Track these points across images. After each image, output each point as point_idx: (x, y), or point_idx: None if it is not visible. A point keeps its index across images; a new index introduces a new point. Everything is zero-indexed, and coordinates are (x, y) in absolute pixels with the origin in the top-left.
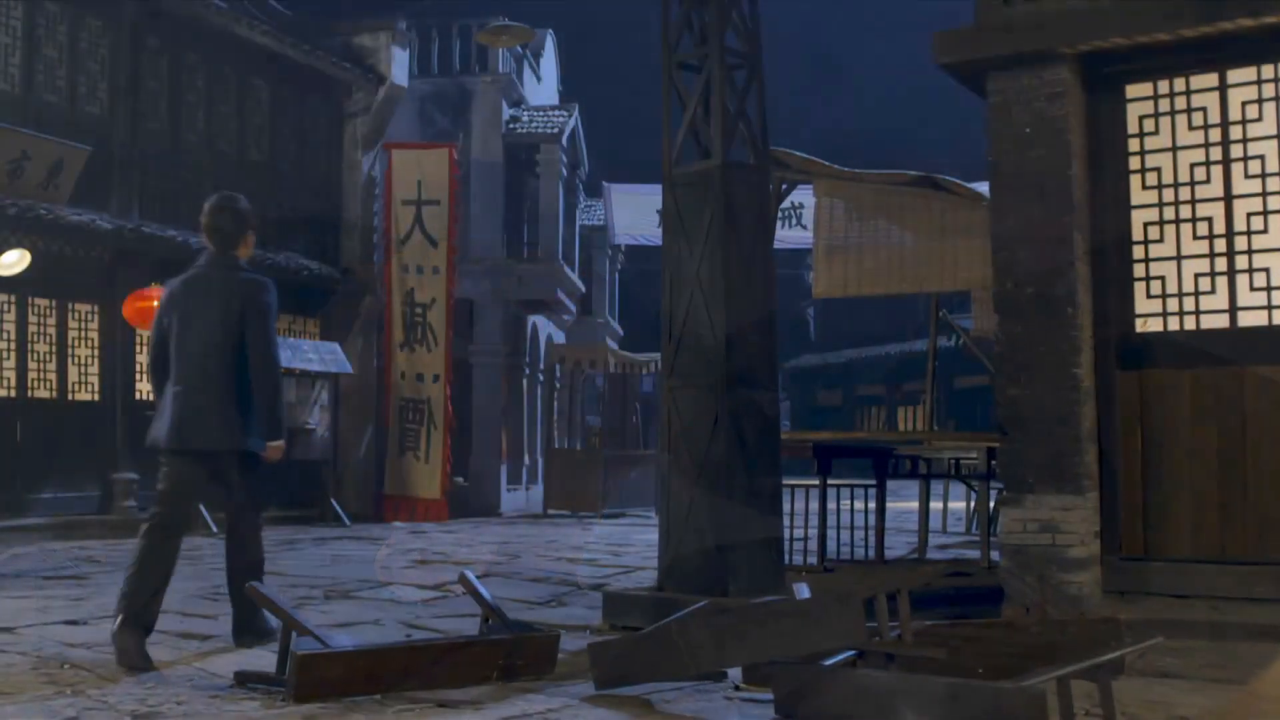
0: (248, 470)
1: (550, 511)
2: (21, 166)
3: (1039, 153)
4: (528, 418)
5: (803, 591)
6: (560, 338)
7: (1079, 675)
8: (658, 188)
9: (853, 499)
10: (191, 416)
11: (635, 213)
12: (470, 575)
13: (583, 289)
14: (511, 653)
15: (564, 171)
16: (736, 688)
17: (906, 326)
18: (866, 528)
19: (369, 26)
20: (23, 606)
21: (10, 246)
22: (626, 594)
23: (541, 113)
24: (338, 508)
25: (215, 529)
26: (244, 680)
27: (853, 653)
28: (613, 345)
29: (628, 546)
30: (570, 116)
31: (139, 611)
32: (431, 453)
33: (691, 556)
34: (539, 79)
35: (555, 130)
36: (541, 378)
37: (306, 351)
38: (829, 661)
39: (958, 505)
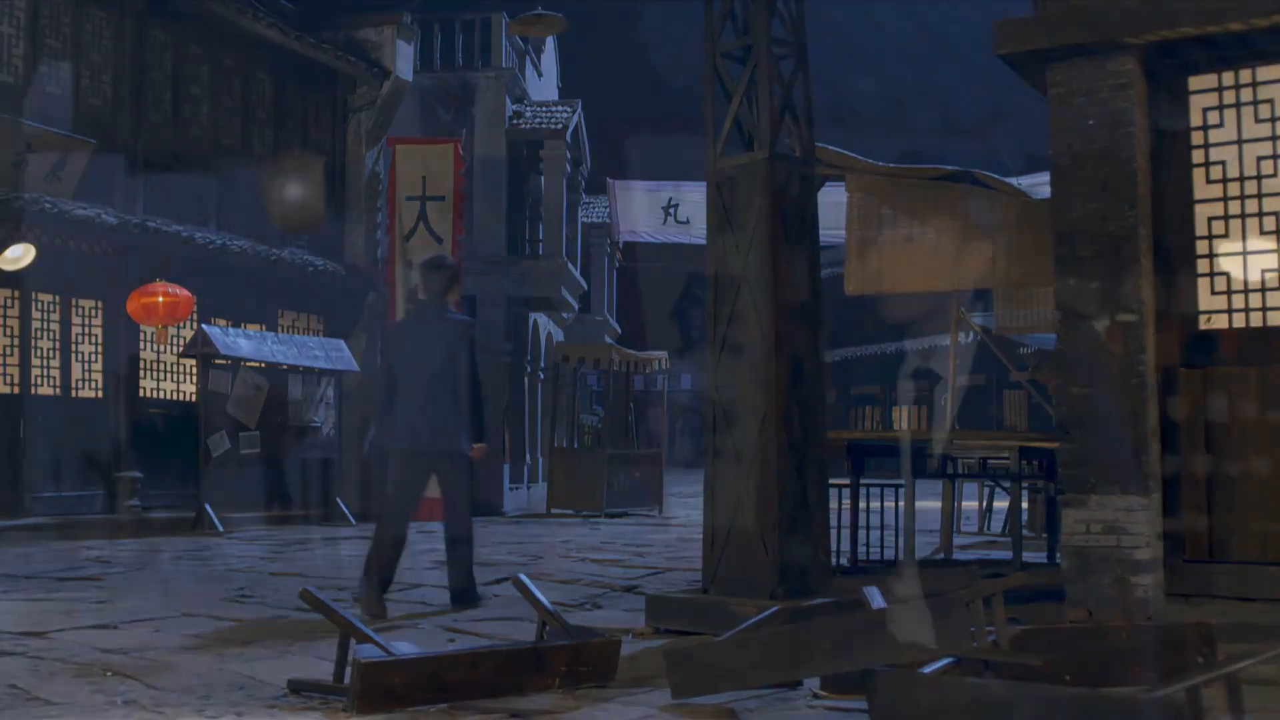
0: (463, 467)
1: (554, 511)
2: (25, 159)
3: (1102, 145)
4: (529, 416)
5: (874, 596)
6: (560, 335)
7: (1213, 683)
8: (662, 184)
9: (883, 498)
10: (422, 425)
11: (639, 210)
12: (525, 579)
13: (585, 286)
14: (574, 659)
15: (567, 168)
16: (815, 695)
17: (902, 326)
18: (896, 528)
19: (373, 20)
20: (45, 609)
21: (14, 241)
22: (671, 596)
23: (545, 108)
24: (343, 507)
25: (221, 529)
26: (298, 688)
27: (947, 660)
28: (610, 343)
29: (647, 546)
30: (574, 112)
31: (378, 575)
32: None
33: (739, 559)
34: (540, 74)
35: (560, 126)
36: (543, 376)
37: (313, 349)
38: (927, 669)
39: (970, 505)
